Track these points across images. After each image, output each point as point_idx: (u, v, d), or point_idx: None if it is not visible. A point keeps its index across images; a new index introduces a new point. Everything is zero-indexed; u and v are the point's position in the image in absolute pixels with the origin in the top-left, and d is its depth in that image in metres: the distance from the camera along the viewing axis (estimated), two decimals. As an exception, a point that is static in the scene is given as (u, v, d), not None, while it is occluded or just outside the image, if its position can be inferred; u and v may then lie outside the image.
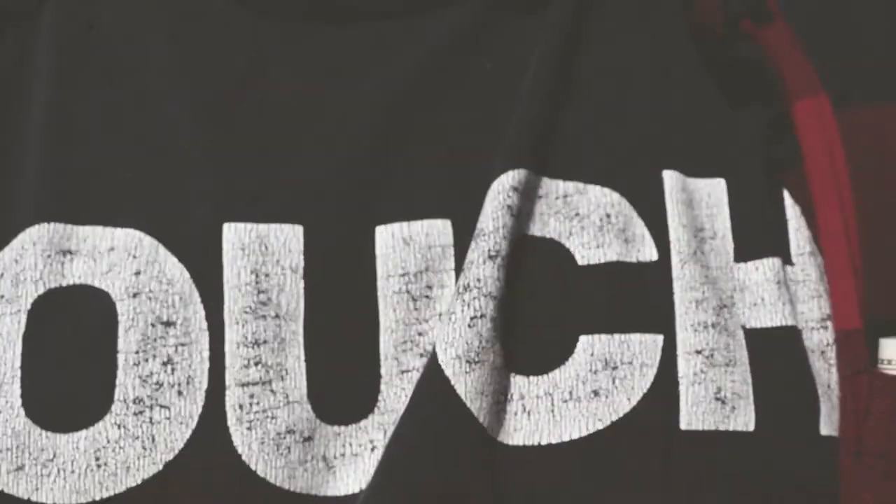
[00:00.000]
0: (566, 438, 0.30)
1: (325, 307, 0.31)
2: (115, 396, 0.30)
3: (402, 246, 0.32)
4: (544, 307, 0.31)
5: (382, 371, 0.31)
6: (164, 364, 0.30)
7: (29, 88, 0.34)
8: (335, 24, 0.35)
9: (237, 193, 0.32)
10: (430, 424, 0.30)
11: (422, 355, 0.31)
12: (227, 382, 0.30)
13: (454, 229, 0.32)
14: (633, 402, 0.31)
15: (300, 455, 0.30)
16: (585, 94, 0.34)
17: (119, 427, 0.30)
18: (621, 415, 0.31)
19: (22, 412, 0.30)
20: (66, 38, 0.35)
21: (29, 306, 0.31)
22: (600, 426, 0.30)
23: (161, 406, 0.30)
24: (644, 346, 0.31)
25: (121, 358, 0.31)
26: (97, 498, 0.30)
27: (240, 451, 0.30)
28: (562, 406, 0.31)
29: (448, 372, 0.30)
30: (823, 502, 0.31)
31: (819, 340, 0.33)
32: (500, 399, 0.31)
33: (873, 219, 0.33)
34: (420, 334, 0.31)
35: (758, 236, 0.33)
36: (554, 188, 0.33)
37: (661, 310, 0.31)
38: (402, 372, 0.31)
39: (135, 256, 0.32)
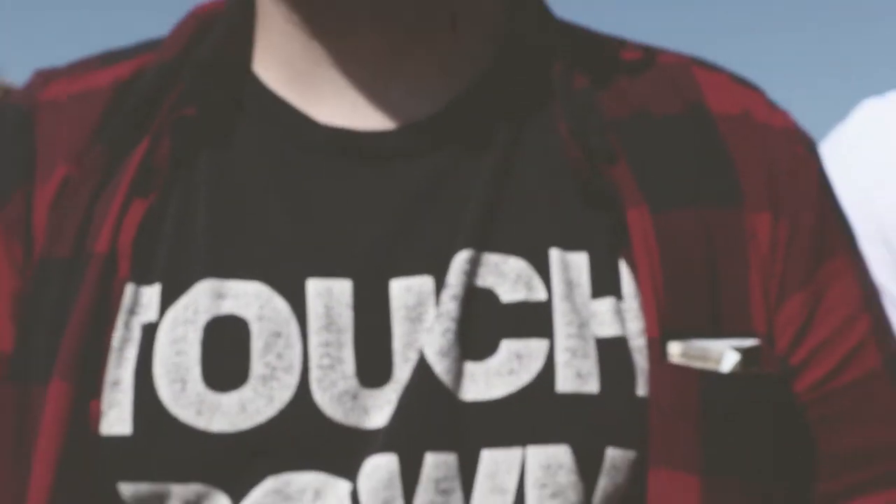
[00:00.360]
0: (494, 396, 0.56)
1: (364, 325, 0.57)
2: (250, 374, 0.56)
3: (406, 291, 0.57)
4: (482, 324, 0.57)
5: (395, 360, 0.56)
6: (277, 356, 0.56)
7: (196, 208, 0.60)
8: (362, 159, 0.61)
9: (314, 263, 0.58)
10: (421, 389, 0.55)
11: (417, 351, 0.56)
12: (311, 366, 0.56)
13: (435, 282, 0.58)
14: (532, 376, 0.56)
15: (351, 405, 0.55)
16: (507, 205, 0.60)
17: (253, 391, 0.55)
18: (525, 383, 0.56)
19: (202, 382, 0.55)
20: (215, 178, 0.60)
21: (203, 325, 0.56)
22: (513, 389, 0.56)
23: (275, 379, 0.55)
24: (538, 346, 0.56)
25: (253, 352, 0.56)
26: (242, 428, 0.55)
27: (318, 403, 0.55)
28: (492, 378, 0.56)
29: (430, 360, 0.55)
30: (639, 434, 0.56)
31: (639, 344, 0.58)
32: (459, 375, 0.56)
33: (671, 277, 0.58)
34: (416, 340, 0.56)
35: (603, 284, 0.58)
36: (489, 258, 0.58)
37: (547, 326, 0.57)
38: (405, 360, 0.56)
39: (259, 298, 0.57)
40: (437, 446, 0.55)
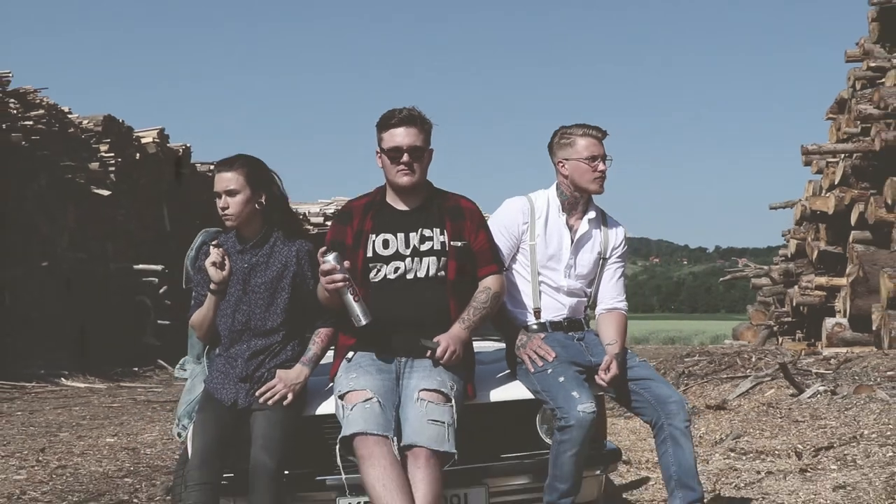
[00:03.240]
0: (424, 249, 3.49)
1: (404, 241, 3.55)
2: (389, 247, 3.52)
3: (413, 235, 3.48)
4: (424, 241, 3.53)
5: (411, 246, 3.53)
6: (396, 246, 3.53)
7: (378, 219, 3.59)
8: (402, 214, 3.55)
9: (398, 228, 3.53)
10: (413, 251, 3.48)
11: (413, 244, 3.54)
12: (399, 249, 3.53)
13: (416, 233, 3.50)
14: (430, 247, 3.52)
15: (400, 250, 3.47)
16: (431, 218, 3.52)
17: (394, 248, 3.48)
18: (429, 248, 3.51)
19: (382, 247, 3.51)
20: (380, 215, 3.55)
21: (382, 240, 3.55)
22: (428, 248, 3.51)
23: (394, 248, 3.52)
24: (432, 244, 3.49)
25: (389, 245, 3.55)
26: (386, 254, 3.49)
27: (400, 250, 3.50)
28: (422, 247, 3.50)
29: (418, 245, 3.49)
30: (447, 258, 3.53)
31: (446, 243, 3.60)
32: (420, 245, 3.49)
33: (453, 233, 3.54)
34: (414, 243, 3.51)
35: (441, 233, 3.58)
36: (424, 230, 3.52)
37: (433, 241, 3.51)
38: (412, 245, 3.51)
39: (390, 236, 3.53)
40: (415, 257, 3.41)
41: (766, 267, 20.69)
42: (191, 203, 18.78)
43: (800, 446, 5.58)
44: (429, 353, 3.44)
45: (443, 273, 3.50)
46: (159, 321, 16.75)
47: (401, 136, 3.50)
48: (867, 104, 13.42)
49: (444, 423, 3.32)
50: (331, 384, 3.56)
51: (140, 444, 7.44)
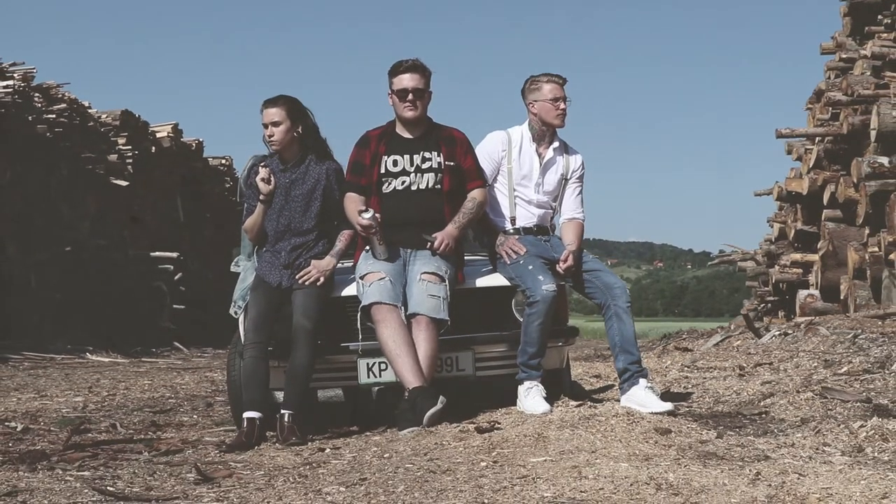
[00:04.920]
0: (426, 167, 4.47)
1: (411, 161, 4.51)
2: (399, 166, 4.50)
3: (417, 156, 4.46)
4: (425, 161, 4.50)
5: (414, 164, 4.51)
6: (404, 164, 4.52)
7: (390, 142, 4.59)
8: (405, 140, 4.52)
9: (406, 149, 4.55)
10: (416, 166, 4.46)
11: (417, 163, 4.49)
12: (407, 167, 4.52)
13: (419, 155, 4.49)
14: (432, 164, 4.41)
15: (407, 167, 4.45)
16: (430, 142, 4.55)
17: (402, 167, 4.47)
18: (430, 166, 4.43)
19: (392, 165, 4.51)
20: (391, 140, 4.55)
21: (392, 159, 4.52)
22: (429, 167, 4.44)
23: (401, 165, 4.49)
24: (433, 163, 4.42)
25: (397, 164, 4.51)
26: (395, 171, 4.50)
27: (405, 166, 4.50)
28: (423, 167, 4.45)
29: (419, 164, 4.48)
30: (442, 173, 4.49)
31: (442, 163, 4.54)
32: (422, 164, 4.48)
33: (447, 156, 4.58)
34: (417, 161, 4.48)
35: (438, 156, 4.55)
36: (424, 152, 4.53)
37: (430, 161, 4.47)
38: (416, 163, 4.47)
39: (399, 156, 4.53)
40: (417, 173, 4.41)
41: (751, 251, 21.65)
42: (203, 195, 19.77)
43: (744, 364, 6.57)
44: (428, 245, 4.45)
45: (439, 186, 4.50)
46: (175, 306, 17.73)
47: (407, 80, 4.51)
48: (837, 91, 14.40)
49: (440, 297, 4.35)
50: (352, 276, 4.58)
51: (175, 385, 8.45)
